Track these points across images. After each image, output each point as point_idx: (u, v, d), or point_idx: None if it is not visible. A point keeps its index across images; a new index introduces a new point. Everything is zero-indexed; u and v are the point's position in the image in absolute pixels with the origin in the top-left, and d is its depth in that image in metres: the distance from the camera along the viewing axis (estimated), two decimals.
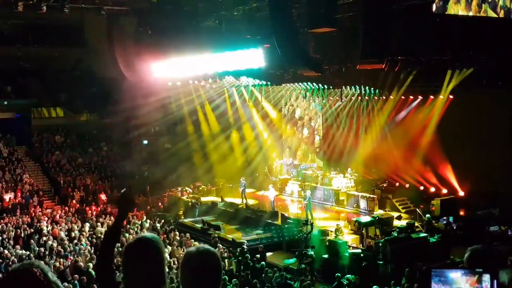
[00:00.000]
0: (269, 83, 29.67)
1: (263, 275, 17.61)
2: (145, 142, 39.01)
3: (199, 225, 25.83)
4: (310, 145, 33.83)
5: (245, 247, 20.89)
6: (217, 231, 24.29)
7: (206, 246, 3.17)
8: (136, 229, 24.81)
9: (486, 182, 23.30)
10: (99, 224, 25.42)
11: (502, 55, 20.00)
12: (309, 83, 28.09)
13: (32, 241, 22.52)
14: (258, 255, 19.63)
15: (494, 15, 16.43)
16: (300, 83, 28.82)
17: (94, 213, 28.43)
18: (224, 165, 34.09)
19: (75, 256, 20.20)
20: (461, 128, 24.14)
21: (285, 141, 35.50)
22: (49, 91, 38.89)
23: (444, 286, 3.02)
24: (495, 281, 3.04)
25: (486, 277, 3.04)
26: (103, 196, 31.74)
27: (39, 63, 37.40)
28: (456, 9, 15.58)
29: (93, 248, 21.37)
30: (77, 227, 25.12)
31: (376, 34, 17.47)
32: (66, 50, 37.00)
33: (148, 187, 32.59)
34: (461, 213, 24.05)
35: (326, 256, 19.99)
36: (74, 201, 30.91)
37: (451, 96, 24.52)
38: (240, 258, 19.36)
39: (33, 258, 19.88)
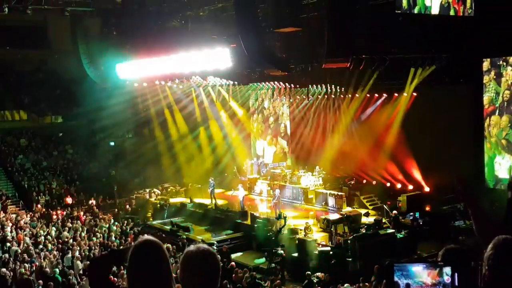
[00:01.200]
0: (236, 82, 29.67)
1: (233, 275, 17.61)
2: (112, 143, 38.61)
3: (168, 227, 25.69)
4: (278, 144, 33.99)
5: (215, 247, 20.85)
6: (186, 233, 24.20)
7: (206, 245, 3.19)
8: (104, 232, 24.57)
9: (451, 177, 23.65)
10: (65, 228, 25.04)
11: (463, 52, 20.46)
12: (275, 82, 28.18)
13: None
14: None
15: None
16: (267, 82, 28.90)
17: (60, 217, 27.98)
18: (193, 166, 33.96)
19: (41, 261, 19.85)
20: (425, 125, 24.56)
21: (254, 140, 35.57)
22: (12, 94, 38.19)
23: (406, 279, 3.09)
24: (456, 274, 3.11)
25: (447, 270, 3.11)
26: (68, 200, 31.29)
27: (1, 65, 36.70)
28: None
29: (59, 252, 21.05)
30: (43, 232, 24.71)
31: (341, 33, 17.66)
32: (29, 51, 36.38)
33: (115, 188, 32.27)
34: (427, 208, 24.40)
35: (295, 254, 20.09)
36: (39, 206, 30.40)
37: (414, 94, 24.96)
38: None
39: None
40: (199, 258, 3.09)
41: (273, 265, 19.51)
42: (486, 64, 21.63)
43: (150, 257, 3.11)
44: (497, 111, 21.55)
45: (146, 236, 3.31)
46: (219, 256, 3.76)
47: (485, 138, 22.27)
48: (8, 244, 22.29)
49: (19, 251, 21.13)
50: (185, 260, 3.13)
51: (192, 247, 3.15)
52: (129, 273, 3.17)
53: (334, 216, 23.02)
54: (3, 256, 20.71)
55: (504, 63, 21.08)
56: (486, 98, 21.74)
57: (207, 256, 3.11)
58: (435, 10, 17.62)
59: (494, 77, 21.36)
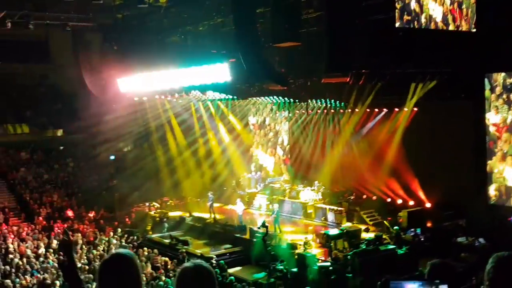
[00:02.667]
0: (235, 97, 29.70)
1: None
2: (112, 157, 38.62)
3: (167, 241, 25.62)
4: (277, 159, 33.96)
5: (214, 262, 20.78)
6: (185, 246, 24.11)
7: (203, 262, 3.23)
8: (103, 245, 24.51)
9: (453, 193, 23.59)
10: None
11: (464, 68, 20.46)
12: (275, 97, 28.20)
13: None
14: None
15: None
16: (266, 97, 28.92)
17: (61, 229, 27.92)
18: (192, 180, 33.89)
19: (42, 273, 19.82)
20: (426, 140, 24.49)
21: (252, 155, 35.52)
22: (14, 108, 38.33)
23: None
24: None
25: (443, 286, 3.07)
26: (70, 213, 31.24)
27: (3, 80, 36.84)
28: None
29: (60, 265, 21.00)
30: (44, 244, 24.71)
31: (340, 48, 17.68)
32: (31, 66, 36.52)
33: (117, 197, 32.22)
34: (429, 224, 24.28)
35: (295, 269, 19.97)
36: (40, 218, 30.36)
37: (415, 109, 24.91)
38: None
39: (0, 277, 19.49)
40: (195, 274, 3.11)
41: (272, 280, 19.40)
42: (495, 78, 21.64)
43: (117, 271, 3.14)
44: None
45: (116, 250, 3.34)
46: (215, 271, 3.81)
47: (494, 154, 22.24)
48: (11, 256, 22.28)
49: (21, 263, 21.11)
50: (181, 276, 3.16)
51: (188, 263, 3.17)
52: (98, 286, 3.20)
53: (333, 231, 22.90)
54: (4, 268, 20.69)
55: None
56: (501, 118, 21.74)
57: (202, 272, 3.14)
58: (438, 18, 17.70)
59: (504, 97, 21.40)
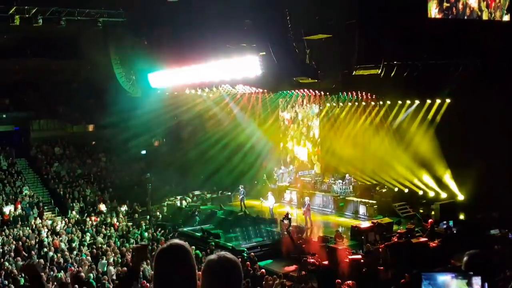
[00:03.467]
0: (265, 90, 29.68)
1: (263, 282, 17.56)
2: (144, 152, 39.03)
3: (198, 234, 25.79)
4: (308, 152, 33.85)
5: (245, 254, 20.86)
6: (216, 239, 24.26)
7: (228, 253, 3.20)
8: (136, 239, 24.82)
9: (486, 185, 23.26)
10: (99, 234, 25.36)
11: (498, 58, 20.08)
12: (305, 90, 28.09)
13: (33, 252, 22.47)
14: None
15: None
16: (297, 90, 28.82)
17: (94, 223, 28.38)
18: (223, 173, 34.03)
19: (76, 266, 20.16)
20: (458, 132, 24.13)
21: (284, 148, 35.47)
22: (47, 104, 39.00)
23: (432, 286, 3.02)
24: (486, 284, 3.03)
25: (477, 280, 3.03)
26: (102, 207, 31.70)
27: (36, 76, 37.48)
28: None
29: (93, 258, 21.35)
30: (77, 238, 25.12)
31: (372, 40, 17.54)
32: (63, 62, 37.04)
33: (150, 188, 32.58)
34: (461, 217, 24.02)
35: (326, 262, 19.91)
36: (73, 212, 30.88)
37: (448, 100, 24.57)
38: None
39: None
40: (220, 267, 3.10)
41: (303, 273, 19.39)
42: None
43: (174, 260, 3.15)
44: None
45: (173, 240, 3.34)
46: (245, 263, 3.79)
47: None
48: (45, 249, 22.74)
49: (55, 256, 21.51)
50: (206, 268, 3.15)
51: (213, 255, 3.15)
52: (154, 275, 3.23)
53: (365, 224, 22.77)
54: (39, 261, 21.12)
55: None
56: None
57: (228, 264, 3.12)
58: (473, 4, 17.41)
59: None
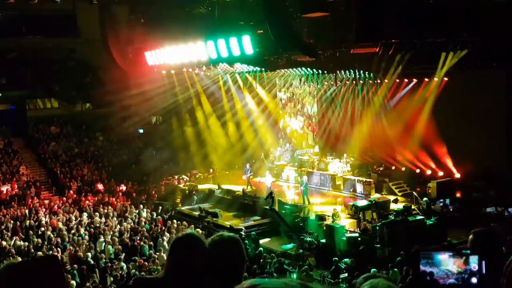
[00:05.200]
0: (263, 69, 29.55)
1: (261, 260, 17.68)
2: (141, 131, 38.97)
3: (196, 213, 25.88)
4: (306, 131, 33.85)
5: (243, 233, 20.97)
6: (214, 218, 24.36)
7: (231, 233, 3.29)
8: (134, 218, 24.89)
9: (482, 163, 23.35)
10: (96, 214, 25.45)
11: (496, 36, 19.95)
12: (303, 68, 27.98)
13: (30, 232, 22.52)
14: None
15: None
16: (294, 69, 28.71)
17: (91, 203, 28.43)
18: (220, 152, 34.05)
19: (74, 246, 20.25)
20: (456, 110, 24.17)
21: (281, 127, 35.46)
22: (43, 82, 38.75)
23: (431, 267, 3.03)
24: (484, 262, 3.04)
25: (474, 259, 3.04)
26: (100, 186, 31.73)
27: (32, 54, 37.21)
28: None
29: (91, 237, 21.43)
30: (75, 217, 25.17)
31: (370, 18, 17.39)
32: (59, 40, 36.77)
33: (145, 174, 32.64)
34: (458, 195, 24.10)
35: (323, 240, 20.04)
36: (71, 192, 30.91)
37: (445, 78, 24.51)
38: None
39: (32, 250, 19.94)
40: (223, 245, 3.16)
41: (300, 251, 19.52)
42: None
43: (188, 249, 3.21)
44: None
45: (189, 230, 3.44)
46: (245, 242, 3.87)
47: None
48: (42, 229, 22.79)
49: (53, 236, 21.58)
50: (209, 247, 3.22)
51: (215, 235, 3.19)
52: (168, 259, 3.32)
53: (362, 203, 22.87)
54: (37, 240, 21.20)
55: None
56: None
57: (230, 243, 3.19)
58: None
59: None
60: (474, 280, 2.99)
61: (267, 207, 23.32)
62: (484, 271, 3.01)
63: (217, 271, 3.16)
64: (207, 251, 3.23)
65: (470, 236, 3.28)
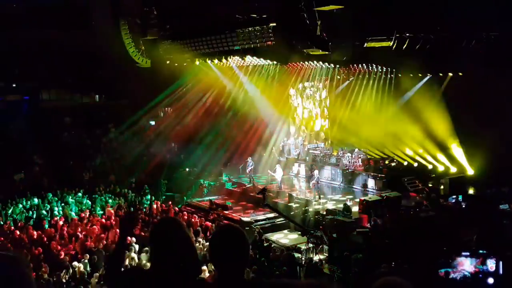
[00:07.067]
0: (275, 62, 29.44)
1: (271, 254, 17.67)
2: (152, 122, 39.03)
3: (207, 205, 25.90)
4: (318, 125, 33.71)
5: (253, 226, 20.97)
6: (224, 211, 24.37)
7: (234, 224, 3.34)
8: (144, 209, 24.95)
9: (496, 160, 23.12)
10: (108, 204, 25.53)
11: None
12: (316, 62, 27.84)
13: (44, 222, 22.65)
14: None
15: None
16: (307, 62, 28.58)
17: (104, 193, 28.51)
18: (233, 145, 33.96)
19: (86, 236, 20.34)
20: (470, 106, 23.93)
21: (293, 121, 35.29)
22: (57, 73, 38.87)
23: (446, 268, 2.96)
24: (501, 262, 2.96)
25: (491, 260, 2.96)
26: (112, 177, 31.80)
27: (45, 47, 37.32)
28: None
29: (103, 227, 21.52)
30: (87, 207, 25.28)
31: (384, 12, 17.26)
32: (72, 32, 36.83)
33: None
34: (470, 191, 23.93)
35: (334, 235, 19.96)
36: (83, 182, 31.00)
37: (460, 73, 24.29)
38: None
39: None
40: (226, 236, 3.22)
41: (310, 245, 19.47)
42: None
43: (166, 235, 3.29)
44: None
45: (165, 216, 3.51)
46: (255, 235, 3.94)
47: None
48: (56, 219, 22.92)
49: (65, 226, 21.71)
50: (213, 237, 3.32)
51: (219, 226, 3.26)
52: (150, 247, 3.44)
53: (373, 198, 22.77)
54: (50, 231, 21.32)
55: None
56: None
57: (233, 234, 3.22)
58: None
59: None
60: (490, 280, 2.92)
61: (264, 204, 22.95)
62: (501, 272, 2.94)
63: (218, 261, 3.20)
64: (188, 237, 3.31)
65: (475, 234, 3.22)
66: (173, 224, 3.37)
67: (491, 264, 2.55)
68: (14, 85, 37.99)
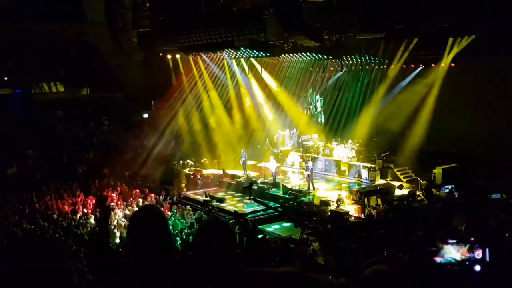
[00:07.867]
0: (268, 54, 29.37)
1: (265, 244, 17.75)
2: (146, 115, 38.94)
3: (201, 198, 25.96)
4: (311, 117, 33.77)
5: (248, 218, 21.04)
6: (219, 203, 24.43)
7: (218, 218, 3.37)
8: (139, 203, 24.96)
9: (488, 150, 23.25)
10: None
11: (504, 22, 19.80)
12: (308, 53, 27.82)
13: (37, 215, 22.62)
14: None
15: None
16: (300, 54, 28.54)
17: (98, 186, 28.49)
18: (225, 137, 33.98)
19: (81, 229, 20.37)
20: (462, 96, 24.02)
21: (286, 112, 35.30)
22: (49, 66, 38.70)
23: (436, 255, 3.04)
24: (488, 250, 3.04)
25: (479, 247, 3.04)
26: (106, 170, 31.75)
27: (38, 38, 37.13)
28: None
29: (97, 221, 21.52)
30: (81, 201, 25.26)
31: (376, 2, 17.29)
32: (65, 24, 36.68)
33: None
34: (463, 181, 24.04)
35: (328, 226, 20.07)
36: (77, 175, 30.94)
37: (452, 64, 24.36)
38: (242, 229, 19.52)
39: (38, 233, 20.05)
40: (211, 229, 3.24)
41: (304, 236, 19.55)
42: None
43: (145, 222, 3.29)
44: None
45: (146, 203, 3.55)
46: (249, 227, 3.96)
47: None
48: (49, 212, 22.90)
49: (59, 219, 21.69)
50: (198, 230, 3.38)
51: (206, 220, 3.29)
52: (128, 234, 3.41)
53: (367, 189, 22.88)
54: (43, 224, 21.29)
55: None
56: None
57: (218, 227, 3.25)
58: None
59: None
60: (478, 267, 3.00)
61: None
62: (488, 259, 3.02)
63: (203, 254, 3.18)
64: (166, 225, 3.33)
65: (464, 223, 3.30)
66: (152, 210, 3.44)
67: (478, 252, 2.61)
68: (6, 78, 37.77)
